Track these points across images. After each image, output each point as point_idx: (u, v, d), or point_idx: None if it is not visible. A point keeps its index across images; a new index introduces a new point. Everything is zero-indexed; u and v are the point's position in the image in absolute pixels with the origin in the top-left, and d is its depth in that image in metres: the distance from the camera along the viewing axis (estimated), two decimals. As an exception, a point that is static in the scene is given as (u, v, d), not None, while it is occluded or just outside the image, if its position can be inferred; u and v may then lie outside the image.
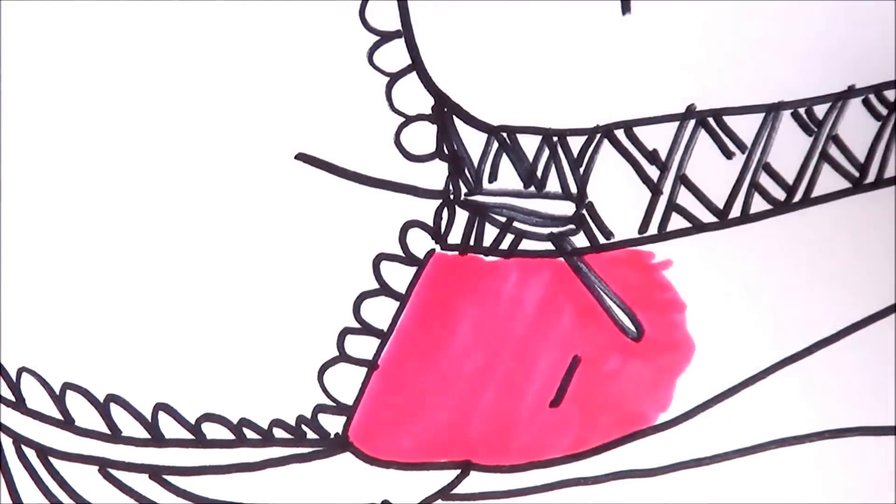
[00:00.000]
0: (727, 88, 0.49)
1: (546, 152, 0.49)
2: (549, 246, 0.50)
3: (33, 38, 0.50)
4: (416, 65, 0.49)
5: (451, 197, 0.49)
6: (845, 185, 0.49)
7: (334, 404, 0.51)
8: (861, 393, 0.50)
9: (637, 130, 0.49)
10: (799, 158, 0.49)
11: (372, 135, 0.49)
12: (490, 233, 0.50)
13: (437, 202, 0.50)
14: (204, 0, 0.49)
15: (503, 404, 0.50)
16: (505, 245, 0.50)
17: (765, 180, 0.49)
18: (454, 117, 0.49)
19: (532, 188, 0.49)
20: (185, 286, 0.50)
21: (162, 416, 0.51)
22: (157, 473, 0.51)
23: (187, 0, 0.49)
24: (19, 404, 0.51)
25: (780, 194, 0.49)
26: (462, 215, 0.50)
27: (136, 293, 0.51)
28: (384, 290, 0.50)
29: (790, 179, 0.49)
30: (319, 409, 0.51)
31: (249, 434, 0.51)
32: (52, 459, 0.51)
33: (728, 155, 0.49)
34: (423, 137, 0.49)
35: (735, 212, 0.49)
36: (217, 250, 0.50)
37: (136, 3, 0.49)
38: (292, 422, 0.51)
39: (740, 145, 0.49)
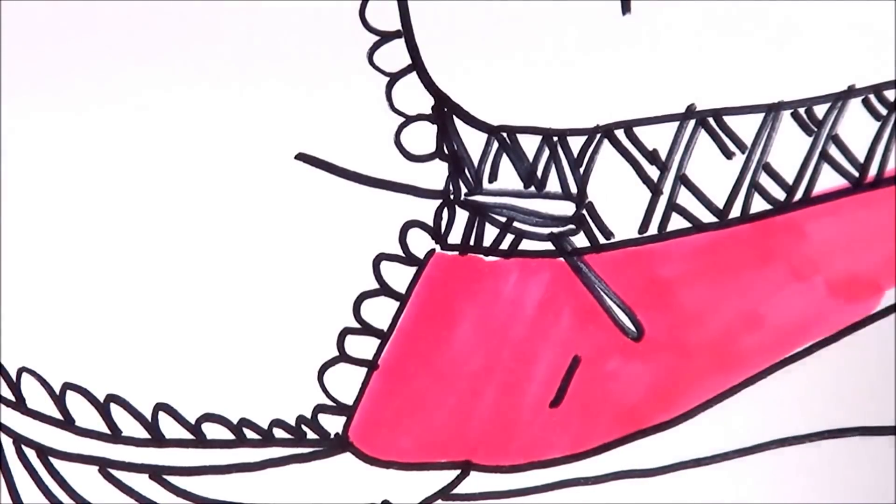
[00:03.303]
0: (727, 88, 0.49)
1: (546, 152, 0.49)
2: (549, 246, 0.50)
3: (32, 34, 0.50)
4: (416, 65, 0.49)
5: (451, 197, 0.49)
6: (845, 184, 0.49)
7: (334, 404, 0.51)
8: (861, 393, 0.50)
9: (637, 130, 0.49)
10: (799, 158, 0.49)
11: (372, 135, 0.49)
12: (490, 233, 0.50)
13: (437, 202, 0.50)
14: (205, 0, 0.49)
15: (503, 404, 0.50)
16: (505, 245, 0.50)
17: (765, 180, 0.49)
18: (454, 117, 0.49)
19: (532, 188, 0.49)
20: (185, 286, 0.50)
21: (162, 416, 0.51)
22: (157, 473, 0.51)
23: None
24: (19, 404, 0.51)
25: (780, 194, 0.49)
26: (462, 215, 0.50)
27: (136, 293, 0.51)
28: (384, 290, 0.50)
29: (790, 179, 0.49)
30: (319, 409, 0.51)
31: (249, 434, 0.51)
32: (52, 459, 0.51)
33: (728, 155, 0.49)
34: (423, 137, 0.49)
35: (735, 212, 0.49)
36: (217, 250, 0.50)
37: (139, 2, 0.49)
38: (292, 422, 0.51)
39: (740, 145, 0.49)
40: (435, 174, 0.50)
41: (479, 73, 0.49)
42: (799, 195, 0.49)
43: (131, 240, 0.50)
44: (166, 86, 0.49)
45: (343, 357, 0.50)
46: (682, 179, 0.49)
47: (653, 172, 0.49)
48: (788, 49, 0.48)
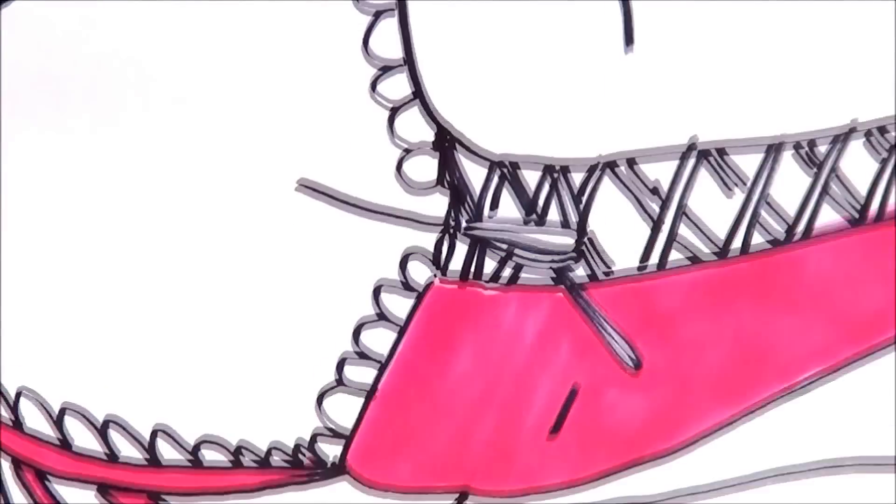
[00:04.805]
0: (730, 121, 0.49)
1: (547, 184, 0.49)
2: (549, 277, 0.50)
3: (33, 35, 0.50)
4: (419, 95, 0.49)
5: (452, 227, 0.49)
6: (847, 221, 0.49)
7: (333, 430, 0.51)
8: (859, 426, 0.50)
9: (639, 162, 0.49)
10: (800, 194, 0.49)
11: (375, 164, 0.49)
12: (491, 263, 0.50)
13: (439, 231, 0.50)
14: (208, 25, 0.49)
15: (502, 432, 0.51)
16: (505, 275, 0.50)
17: (766, 216, 0.49)
18: (456, 148, 0.49)
19: (533, 219, 0.49)
20: (186, 309, 0.51)
21: (160, 439, 0.51)
22: (155, 494, 0.51)
23: (193, 12, 0.49)
24: (18, 425, 0.51)
25: (781, 230, 0.49)
26: (463, 245, 0.50)
27: (136, 314, 0.51)
28: (384, 318, 0.50)
29: (791, 215, 0.49)
30: (318, 434, 0.51)
31: (247, 459, 0.51)
32: (50, 481, 0.52)
33: (728, 192, 0.49)
34: (425, 166, 0.49)
35: (736, 246, 0.49)
36: (219, 274, 0.50)
37: (142, 24, 0.49)
38: (291, 447, 0.51)
39: (742, 179, 0.49)
40: (437, 201, 0.50)
41: (483, 102, 0.49)
42: (800, 232, 0.49)
43: (132, 261, 0.50)
44: (167, 114, 0.49)
45: (342, 383, 0.50)
46: (683, 213, 0.49)
47: (654, 205, 0.49)
48: (791, 82, 0.48)
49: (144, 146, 0.50)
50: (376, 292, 0.50)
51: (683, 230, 0.49)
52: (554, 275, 0.50)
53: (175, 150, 0.49)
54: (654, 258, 0.49)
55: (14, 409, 0.51)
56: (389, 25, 0.49)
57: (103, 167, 0.50)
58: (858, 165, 0.49)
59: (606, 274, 0.49)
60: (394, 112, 0.49)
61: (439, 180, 0.49)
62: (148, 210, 0.50)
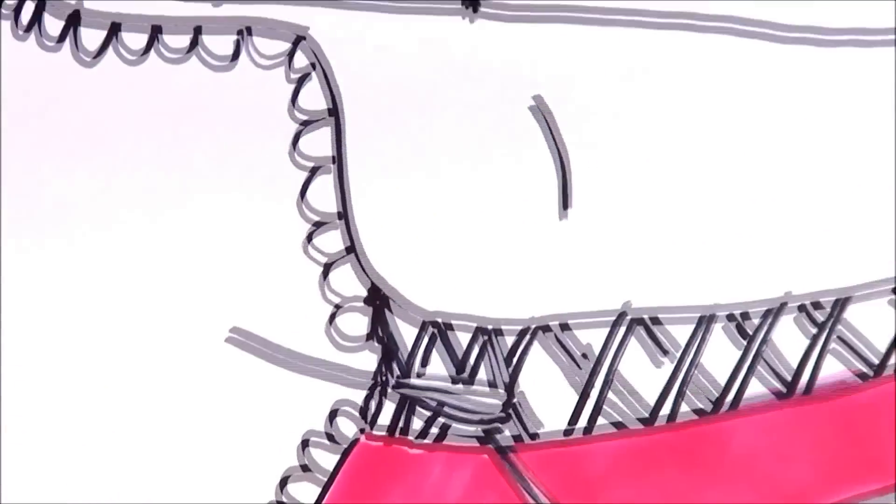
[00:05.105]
0: (663, 289, 0.49)
1: (478, 345, 0.49)
2: (477, 435, 0.50)
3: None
4: (353, 251, 0.49)
5: (382, 382, 0.49)
6: (774, 397, 0.49)
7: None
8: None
9: (571, 327, 0.49)
10: (730, 363, 0.49)
11: (307, 317, 0.49)
12: (419, 420, 0.50)
13: (368, 386, 0.50)
14: (149, 171, 0.49)
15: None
16: (433, 432, 0.50)
17: (694, 386, 0.49)
18: (389, 305, 0.49)
19: (463, 378, 0.49)
20: (112, 453, 0.51)
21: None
22: None
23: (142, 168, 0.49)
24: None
25: (709, 400, 0.49)
26: (392, 401, 0.50)
27: (65, 458, 0.51)
28: (309, 471, 0.50)
29: (721, 385, 0.49)
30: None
31: None
32: None
33: (657, 363, 0.49)
34: (357, 321, 0.49)
35: (664, 413, 0.49)
36: (146, 420, 0.50)
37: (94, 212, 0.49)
38: None
39: (673, 348, 0.49)
40: (367, 355, 0.50)
41: (417, 260, 0.49)
42: (728, 403, 0.49)
43: (63, 404, 0.50)
44: (98, 254, 0.49)
45: (265, 536, 0.50)
46: (611, 380, 0.49)
47: (584, 370, 0.49)
48: (726, 252, 0.49)
49: (73, 290, 0.50)
50: (303, 445, 0.50)
51: (612, 396, 0.49)
52: (482, 434, 0.50)
53: (107, 299, 0.50)
54: (582, 422, 0.49)
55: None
56: (326, 181, 0.49)
57: (30, 317, 0.50)
58: (789, 339, 0.49)
59: (533, 436, 0.49)
60: (328, 266, 0.49)
61: (370, 336, 0.49)
62: (78, 355, 0.50)
